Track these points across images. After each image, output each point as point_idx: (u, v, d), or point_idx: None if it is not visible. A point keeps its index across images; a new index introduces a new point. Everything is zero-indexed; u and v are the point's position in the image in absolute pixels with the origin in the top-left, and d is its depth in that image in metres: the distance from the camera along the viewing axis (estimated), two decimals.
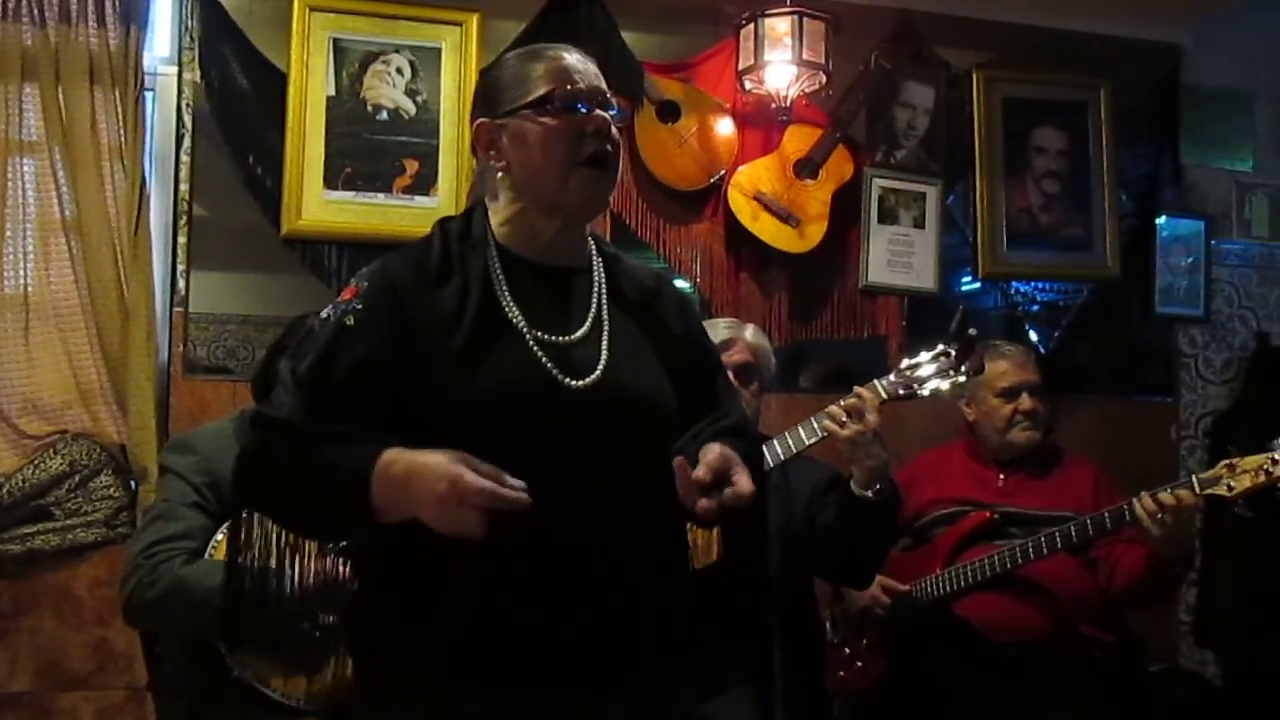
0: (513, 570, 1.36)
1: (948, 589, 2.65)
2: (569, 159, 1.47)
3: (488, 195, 1.56)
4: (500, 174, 1.53)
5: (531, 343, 1.45)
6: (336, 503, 1.38)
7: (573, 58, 1.52)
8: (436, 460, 1.30)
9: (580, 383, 1.45)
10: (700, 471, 1.37)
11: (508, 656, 1.39)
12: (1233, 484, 2.33)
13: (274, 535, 1.53)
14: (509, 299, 1.47)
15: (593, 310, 1.52)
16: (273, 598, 1.58)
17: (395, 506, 1.34)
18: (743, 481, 1.38)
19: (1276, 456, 2.28)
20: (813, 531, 2.37)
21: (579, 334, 1.49)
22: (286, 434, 1.39)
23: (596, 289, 1.54)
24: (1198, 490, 2.36)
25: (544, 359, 1.44)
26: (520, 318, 1.46)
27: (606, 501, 1.42)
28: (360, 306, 1.43)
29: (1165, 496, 2.36)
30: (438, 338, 1.42)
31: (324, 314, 1.46)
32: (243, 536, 1.50)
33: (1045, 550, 2.55)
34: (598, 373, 1.46)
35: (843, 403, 2.22)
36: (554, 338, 1.47)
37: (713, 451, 1.40)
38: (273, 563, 1.52)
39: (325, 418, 1.39)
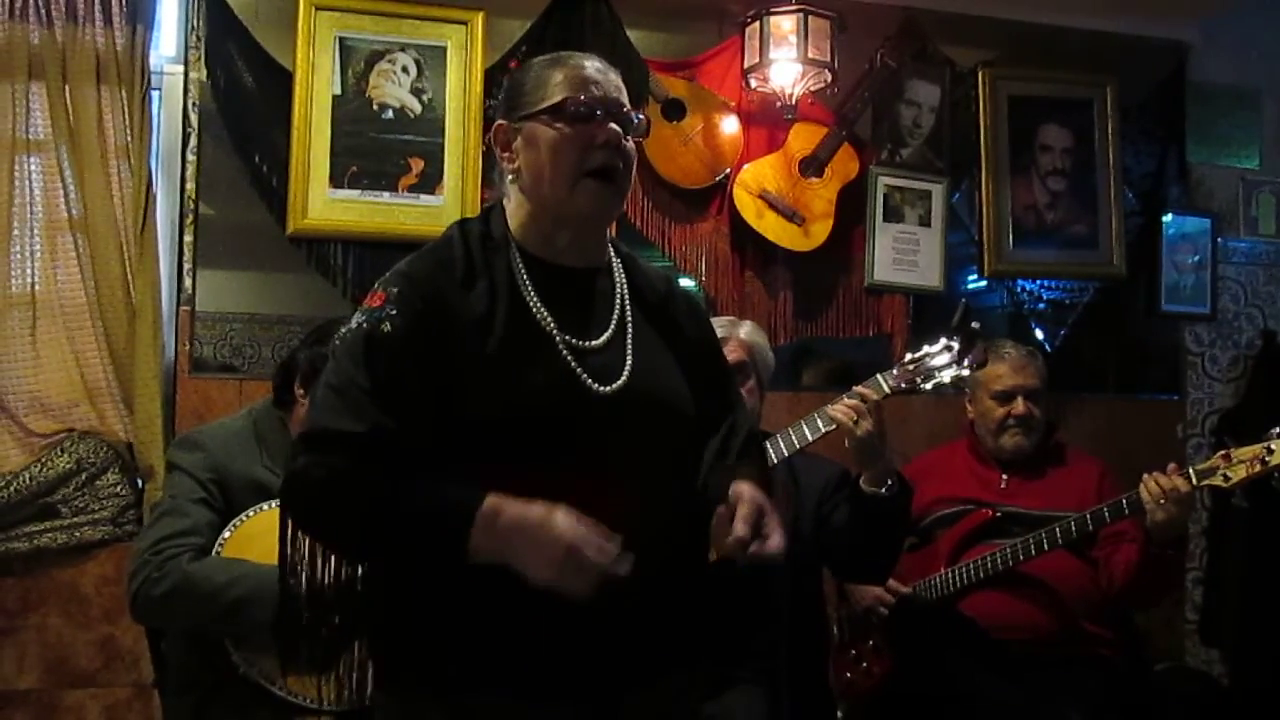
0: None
1: (951, 588, 2.65)
2: (576, 168, 1.46)
3: (506, 196, 1.56)
4: (511, 176, 1.53)
5: (562, 348, 1.45)
6: (431, 541, 1.37)
7: (594, 67, 1.52)
8: (550, 520, 1.30)
9: (607, 388, 1.45)
10: (740, 528, 1.37)
11: (525, 659, 1.40)
12: (1229, 474, 2.35)
13: (306, 546, 1.53)
14: (537, 303, 1.47)
15: (616, 314, 1.52)
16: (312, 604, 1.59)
17: (493, 554, 1.33)
18: (774, 539, 1.39)
19: (1271, 446, 2.30)
20: (826, 532, 2.36)
21: (604, 338, 1.49)
22: (373, 455, 1.37)
23: (619, 292, 1.54)
24: (1194, 482, 2.38)
25: (574, 364, 1.45)
26: (550, 322, 1.46)
27: (636, 505, 1.42)
28: (394, 312, 1.42)
29: (1163, 480, 2.39)
30: (470, 341, 1.42)
31: (354, 322, 1.45)
32: (292, 554, 1.52)
33: (1046, 546, 2.55)
34: (624, 378, 1.47)
35: (849, 401, 2.21)
36: (581, 342, 1.47)
37: (745, 501, 1.40)
38: (313, 570, 1.53)
39: (396, 430, 1.38)
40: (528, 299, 1.47)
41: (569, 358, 1.45)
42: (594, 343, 1.48)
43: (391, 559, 1.47)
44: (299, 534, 1.52)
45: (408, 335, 1.41)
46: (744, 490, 1.41)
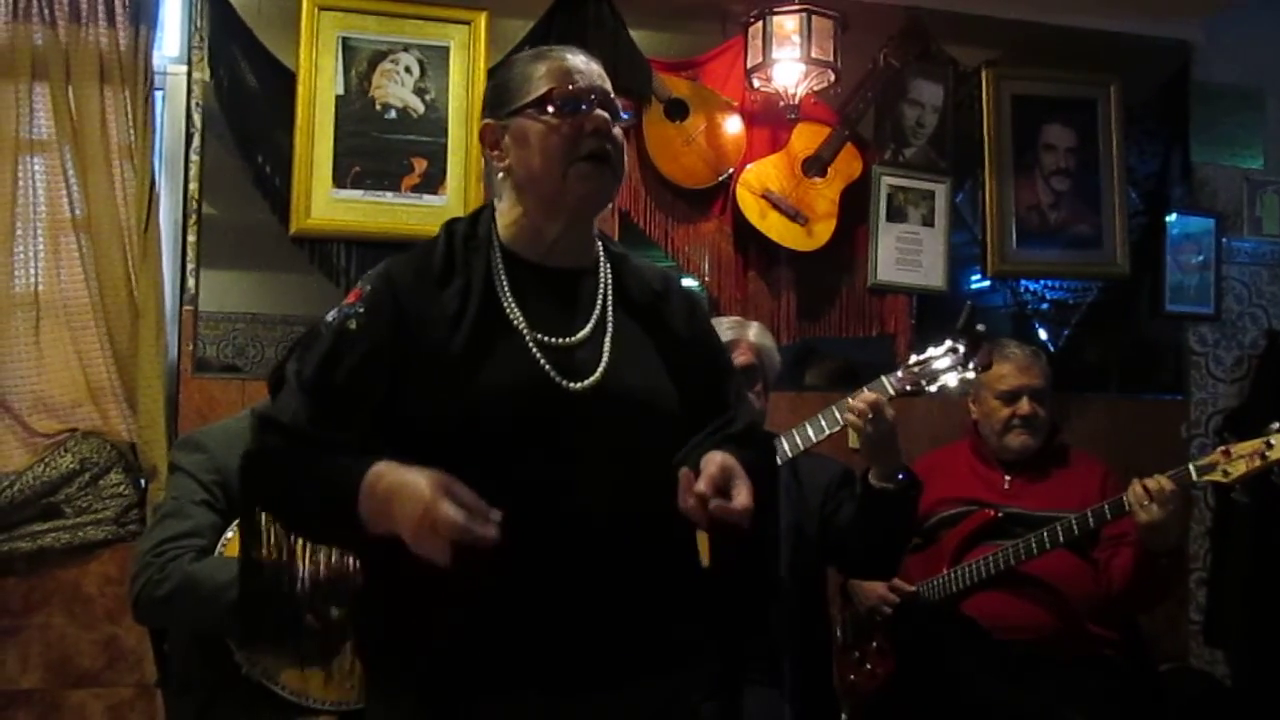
0: (501, 583, 1.36)
1: (954, 588, 2.65)
2: (566, 157, 1.46)
3: (495, 196, 1.57)
4: (502, 175, 1.53)
5: (531, 344, 1.45)
6: (329, 512, 1.40)
7: (576, 59, 1.52)
8: (417, 482, 1.30)
9: (579, 385, 1.45)
10: (701, 485, 1.35)
11: (512, 658, 1.40)
12: (1228, 470, 2.35)
13: (283, 531, 1.54)
14: (510, 300, 1.47)
15: (596, 312, 1.51)
16: (284, 592, 1.59)
17: (378, 521, 1.34)
18: (741, 496, 1.35)
19: (1271, 441, 2.29)
20: (832, 531, 2.36)
21: (581, 336, 1.48)
22: (287, 439, 1.41)
23: (602, 290, 1.54)
24: (1194, 477, 2.38)
25: (542, 361, 1.44)
26: (520, 319, 1.46)
27: (607, 503, 1.42)
28: (362, 310, 1.44)
29: (1150, 481, 2.38)
30: (438, 340, 1.42)
31: (329, 317, 1.47)
32: (255, 532, 1.53)
33: (1048, 544, 2.55)
34: (597, 375, 1.46)
35: (859, 403, 2.20)
36: (555, 340, 1.47)
37: (713, 462, 1.38)
38: (283, 557, 1.54)
39: (326, 423, 1.40)
40: (501, 297, 1.47)
41: (537, 354, 1.45)
42: (568, 340, 1.48)
43: (315, 536, 1.52)
44: (265, 518, 1.54)
45: (371, 333, 1.43)
46: (714, 455, 1.40)
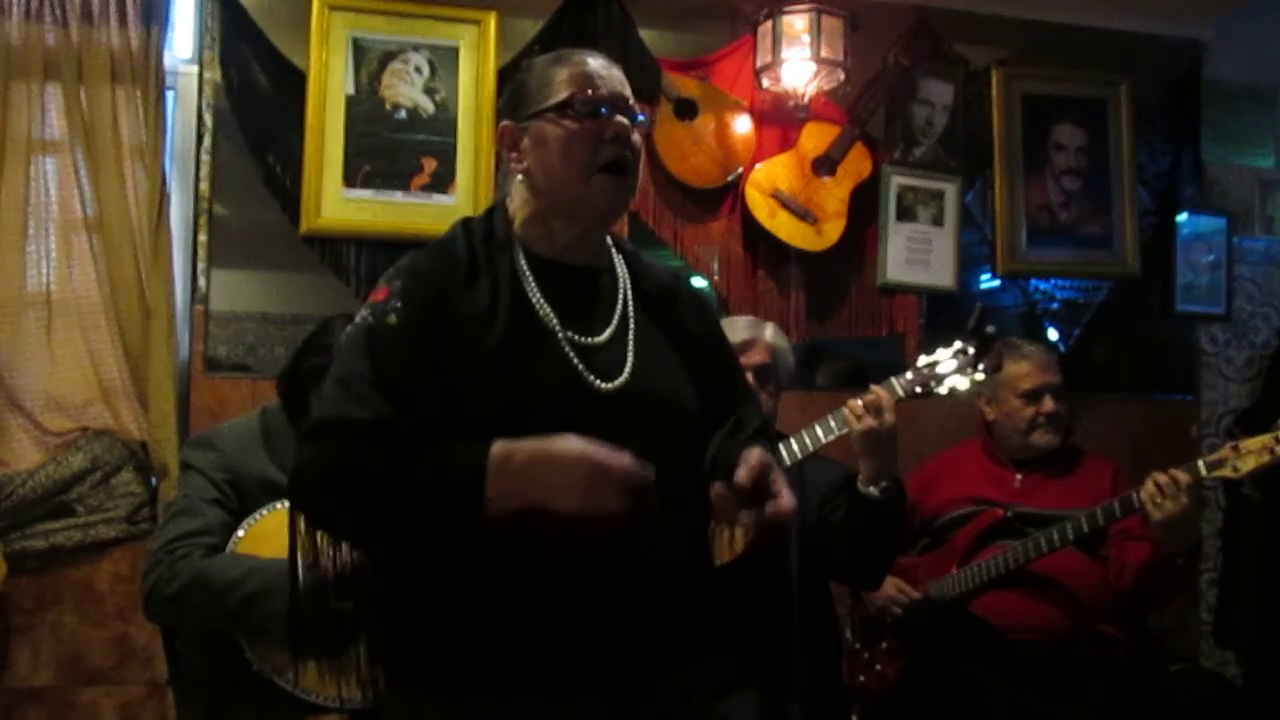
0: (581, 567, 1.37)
1: (964, 588, 2.64)
2: (587, 164, 1.47)
3: (508, 196, 1.57)
4: (520, 176, 1.54)
5: (564, 344, 1.46)
6: (447, 502, 1.35)
7: (597, 63, 1.53)
8: (567, 445, 1.31)
9: (609, 385, 1.46)
10: (742, 475, 1.36)
11: (531, 655, 1.40)
12: (1238, 465, 2.35)
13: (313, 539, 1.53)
14: (540, 300, 1.48)
15: (618, 311, 1.52)
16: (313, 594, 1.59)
17: (515, 497, 1.32)
18: (784, 497, 1.37)
19: None
20: (824, 531, 2.36)
21: (606, 335, 1.50)
22: (366, 440, 1.37)
23: (622, 289, 1.55)
24: (1204, 473, 2.38)
25: (575, 360, 1.45)
26: (553, 318, 1.47)
27: (634, 503, 1.42)
28: (399, 304, 1.43)
29: (1161, 476, 2.37)
30: (472, 336, 1.43)
31: (359, 316, 1.46)
32: (300, 548, 1.51)
33: (1057, 542, 2.54)
34: (626, 375, 1.47)
35: (861, 399, 2.20)
36: (583, 339, 1.48)
37: (754, 456, 1.39)
38: (319, 559, 1.53)
39: (407, 416, 1.38)
40: (530, 296, 1.48)
41: (571, 354, 1.45)
42: (596, 340, 1.48)
43: (408, 535, 1.44)
44: (307, 529, 1.50)
45: (411, 328, 1.42)
46: (753, 451, 1.41)
